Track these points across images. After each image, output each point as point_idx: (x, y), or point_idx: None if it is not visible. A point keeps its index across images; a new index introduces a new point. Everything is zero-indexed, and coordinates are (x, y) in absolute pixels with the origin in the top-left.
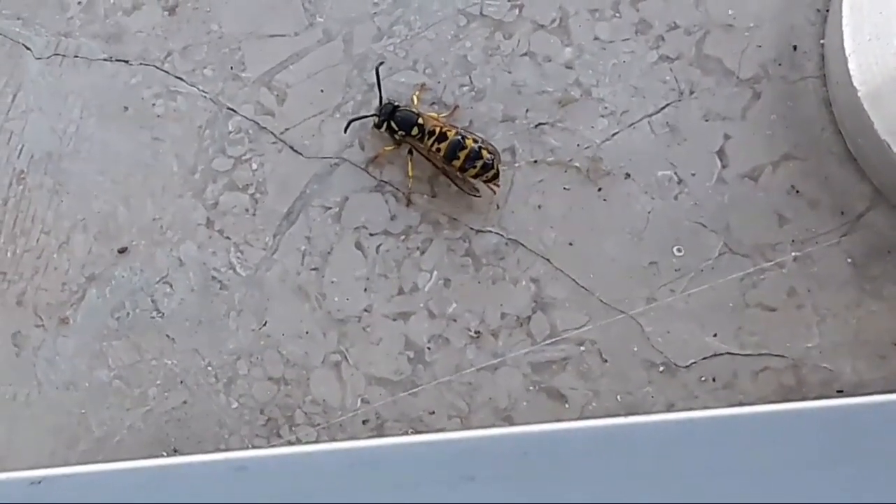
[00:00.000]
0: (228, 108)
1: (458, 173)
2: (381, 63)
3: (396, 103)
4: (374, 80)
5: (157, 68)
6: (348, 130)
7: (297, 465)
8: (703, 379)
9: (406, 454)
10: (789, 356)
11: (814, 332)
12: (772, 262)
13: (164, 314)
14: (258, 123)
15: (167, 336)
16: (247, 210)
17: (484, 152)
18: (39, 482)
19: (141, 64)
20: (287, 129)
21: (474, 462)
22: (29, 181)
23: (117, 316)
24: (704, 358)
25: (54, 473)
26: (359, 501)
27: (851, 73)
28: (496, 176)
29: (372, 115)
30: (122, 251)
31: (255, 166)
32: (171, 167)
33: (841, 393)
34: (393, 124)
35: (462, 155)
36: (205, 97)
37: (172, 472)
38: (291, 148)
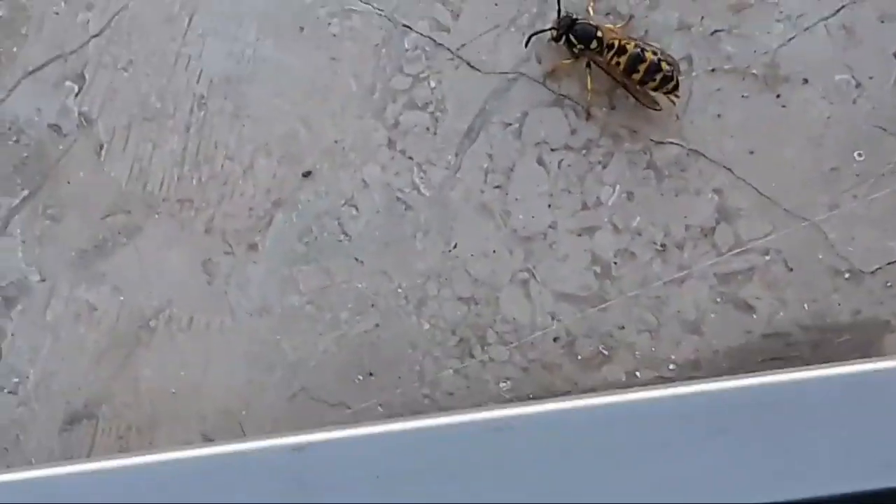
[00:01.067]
0: (404, 26)
1: (637, 86)
2: None
3: (575, 16)
4: None
5: None
6: (528, 45)
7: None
8: (888, 284)
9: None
10: None
11: None
12: None
13: (351, 237)
14: (434, 40)
15: (355, 259)
16: (427, 129)
17: (664, 64)
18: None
19: None
20: (463, 45)
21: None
22: (210, 106)
23: (305, 240)
24: (889, 263)
25: (315, 440)
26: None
27: None
28: (676, 87)
29: (550, 29)
30: (307, 175)
31: (433, 84)
32: (350, 87)
33: None
34: (572, 38)
35: (642, 68)
36: (380, 15)
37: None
38: (468, 64)
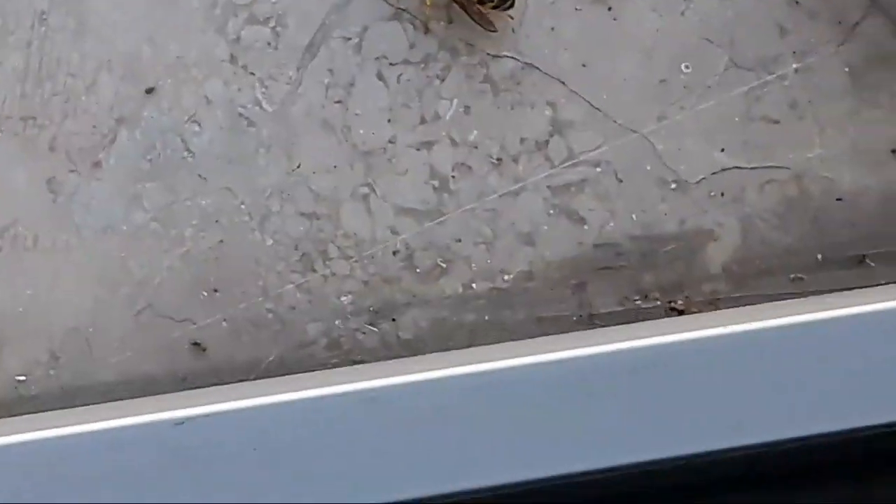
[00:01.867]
0: None
1: (475, 6)
2: None
3: None
4: None
5: None
6: None
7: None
8: (712, 194)
9: None
10: (792, 167)
11: (815, 143)
12: (774, 75)
13: (194, 153)
14: None
15: (199, 175)
16: (269, 44)
17: None
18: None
19: None
20: None
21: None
22: (51, 21)
23: (149, 157)
24: (714, 173)
25: (195, 413)
26: None
27: None
28: (511, 5)
29: None
30: (150, 91)
31: None
32: (192, 2)
33: (840, 201)
34: None
35: None
36: None
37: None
38: None
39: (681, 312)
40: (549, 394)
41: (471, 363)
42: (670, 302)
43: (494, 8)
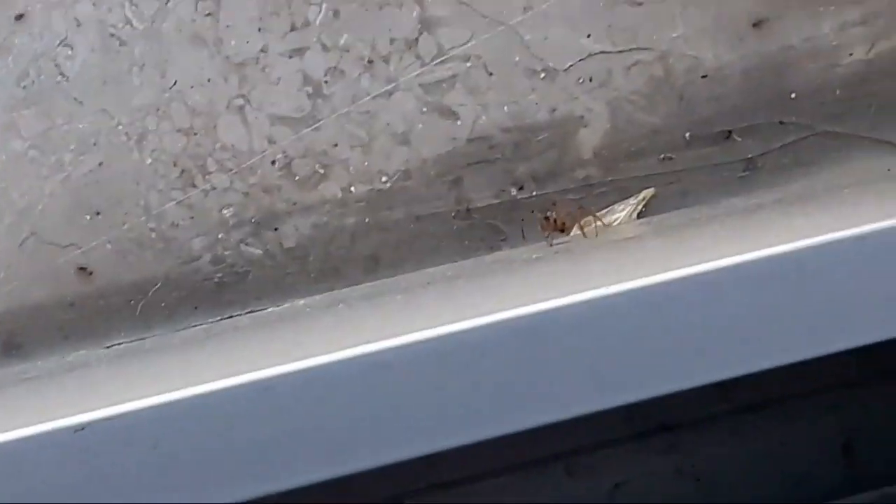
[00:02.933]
0: None
1: None
2: None
3: None
4: None
5: None
6: None
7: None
8: (580, 80)
9: None
10: (657, 48)
11: (678, 22)
12: None
13: (68, 77)
14: None
15: (75, 99)
16: None
17: None
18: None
19: None
20: None
21: None
22: None
23: (23, 84)
24: (581, 59)
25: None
26: None
27: None
28: None
29: None
30: (19, 17)
31: None
32: None
33: (705, 77)
34: None
35: None
36: None
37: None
38: None
39: (562, 229)
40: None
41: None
42: (546, 216)
43: None
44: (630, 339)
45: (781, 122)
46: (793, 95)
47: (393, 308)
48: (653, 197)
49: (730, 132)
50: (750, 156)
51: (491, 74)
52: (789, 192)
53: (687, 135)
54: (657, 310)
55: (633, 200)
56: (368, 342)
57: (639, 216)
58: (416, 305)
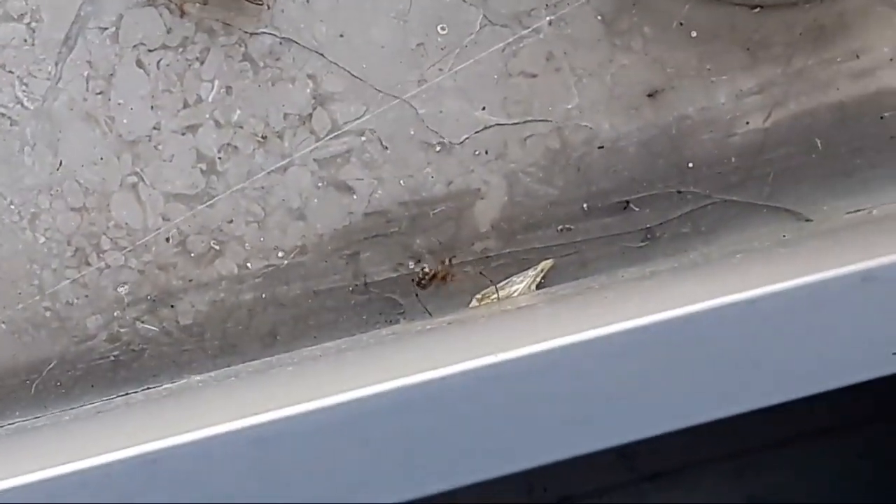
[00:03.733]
0: None
1: None
2: None
3: None
4: None
5: None
6: None
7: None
8: (476, 153)
9: None
10: (553, 119)
11: (573, 93)
12: (529, 29)
13: None
14: None
15: None
16: (25, 41)
17: None
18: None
19: None
20: None
21: None
22: None
23: None
24: (476, 132)
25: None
26: None
27: None
28: None
29: None
30: None
31: None
32: None
33: (602, 149)
34: None
35: None
36: None
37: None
38: None
39: (433, 277)
40: None
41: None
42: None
43: None
44: (522, 406)
45: (679, 192)
46: (690, 165)
47: (281, 380)
48: (552, 268)
49: (628, 202)
50: (648, 225)
51: (386, 148)
52: (687, 260)
53: (585, 205)
54: (548, 375)
55: (531, 272)
56: (253, 414)
57: (538, 287)
58: (304, 377)
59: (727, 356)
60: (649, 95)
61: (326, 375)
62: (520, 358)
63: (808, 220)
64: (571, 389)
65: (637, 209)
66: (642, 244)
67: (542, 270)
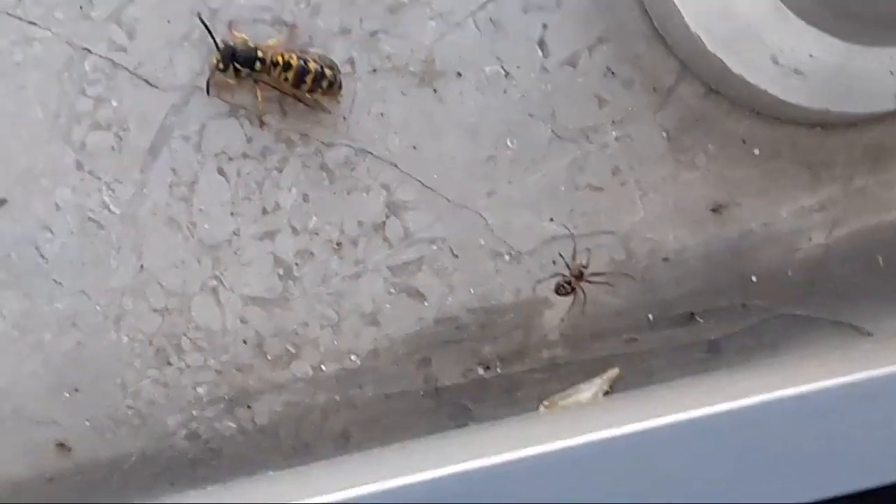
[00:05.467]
0: (83, 49)
1: (306, 94)
2: (199, 12)
3: (233, 43)
4: (203, 28)
5: (10, 15)
6: (210, 92)
7: None
8: (543, 263)
9: None
10: (618, 231)
11: (638, 207)
12: (595, 144)
13: (48, 259)
14: (113, 61)
15: (54, 281)
16: (112, 148)
17: (327, 71)
18: None
19: None
20: (141, 64)
21: None
22: None
23: (4, 267)
24: (544, 243)
25: None
26: None
27: None
28: (340, 88)
29: (216, 64)
30: (1, 203)
31: (114, 104)
32: (37, 114)
33: (666, 261)
34: (236, 65)
35: (308, 79)
36: (60, 40)
37: None
38: (147, 82)
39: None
40: None
41: None
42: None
43: (324, 94)
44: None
45: (743, 305)
46: (754, 278)
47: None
48: (618, 377)
49: (692, 314)
50: (713, 337)
51: (457, 256)
52: (751, 371)
53: (650, 316)
54: (632, 459)
55: (598, 380)
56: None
57: (604, 395)
58: (375, 464)
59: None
60: (713, 210)
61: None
62: (588, 443)
63: (869, 335)
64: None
65: (702, 321)
66: (707, 355)
67: (608, 379)
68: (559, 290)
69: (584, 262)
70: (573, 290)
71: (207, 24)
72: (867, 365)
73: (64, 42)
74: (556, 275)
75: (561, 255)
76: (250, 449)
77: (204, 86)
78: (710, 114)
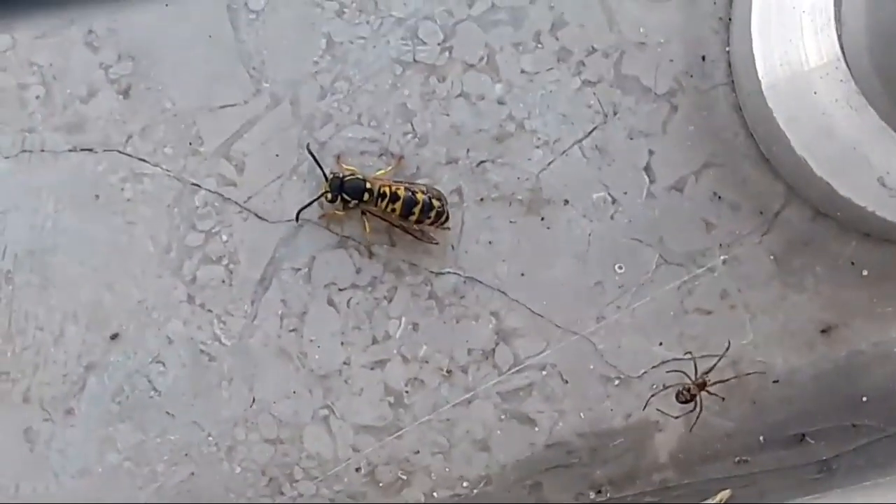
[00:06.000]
0: (192, 184)
1: (414, 225)
2: (308, 143)
3: (342, 174)
4: (312, 159)
5: (121, 152)
6: (298, 219)
7: None
8: (654, 386)
9: None
10: (728, 354)
11: (747, 329)
12: (703, 268)
13: (160, 392)
14: (222, 195)
15: (167, 413)
16: (223, 281)
17: (434, 202)
18: None
19: (104, 150)
20: (250, 198)
21: None
22: (17, 280)
23: (118, 400)
24: (654, 367)
25: None
26: None
27: (761, 80)
28: (447, 219)
29: (323, 194)
30: (114, 337)
31: (224, 237)
32: (147, 248)
33: (776, 382)
34: (345, 196)
35: (416, 210)
36: (169, 175)
37: None
38: (256, 215)
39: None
40: None
41: None
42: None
43: (432, 224)
44: None
45: (854, 425)
46: (864, 398)
47: None
48: (730, 498)
49: (803, 435)
50: (824, 458)
51: (566, 382)
52: (863, 490)
53: (761, 438)
54: None
55: (710, 502)
56: None
57: None
58: None
59: None
60: (822, 332)
61: None
62: None
63: None
64: None
65: (812, 441)
66: (818, 476)
67: (720, 501)
68: (679, 397)
69: (707, 375)
70: (693, 397)
71: (315, 155)
72: None
73: (173, 178)
74: (677, 384)
75: (683, 372)
76: None
77: (299, 214)
78: (818, 236)
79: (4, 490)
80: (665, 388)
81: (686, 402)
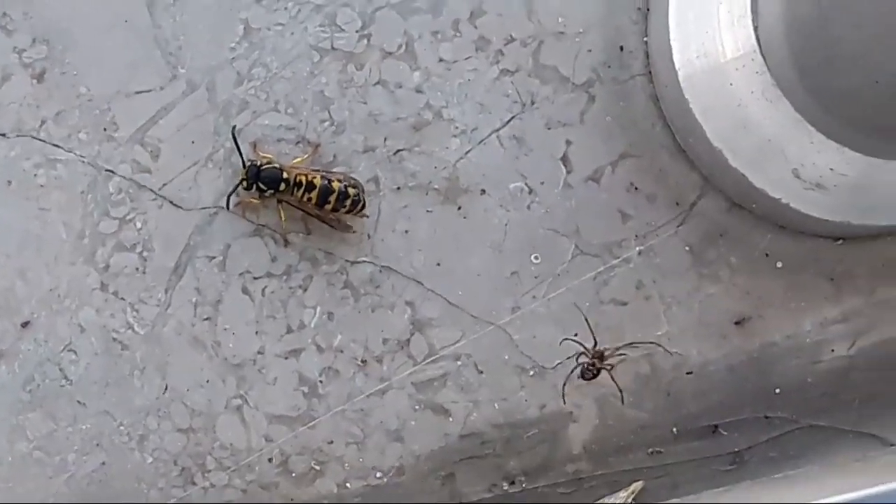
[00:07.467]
0: (107, 170)
1: (330, 214)
2: (234, 126)
3: (259, 163)
4: (234, 144)
5: (34, 138)
6: (230, 206)
7: None
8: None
9: None
10: (642, 346)
11: (662, 321)
12: (619, 259)
13: (72, 381)
14: (136, 182)
15: (78, 402)
16: (137, 269)
17: (350, 190)
18: None
19: (17, 136)
20: (165, 185)
21: None
22: None
23: (29, 388)
24: (568, 357)
25: None
26: None
27: (678, 71)
28: (364, 207)
29: (240, 182)
30: (25, 325)
31: (139, 225)
32: (61, 235)
33: (690, 374)
34: (261, 185)
35: (332, 199)
36: (83, 162)
37: None
38: (171, 202)
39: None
40: None
41: None
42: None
43: (348, 213)
44: None
45: (767, 417)
46: (777, 390)
47: None
48: (642, 490)
49: (716, 426)
50: (737, 449)
51: (481, 373)
52: (775, 482)
53: (674, 429)
54: None
55: (623, 493)
56: None
57: None
58: None
59: None
60: (736, 323)
61: None
62: None
63: (892, 445)
64: None
65: (725, 433)
66: (731, 467)
67: (633, 492)
68: (585, 375)
69: (605, 347)
70: (598, 370)
71: (238, 140)
72: (891, 476)
73: (87, 164)
74: (578, 364)
75: (579, 342)
76: None
77: (225, 202)
78: (733, 228)
79: None
80: (571, 372)
81: (593, 377)
